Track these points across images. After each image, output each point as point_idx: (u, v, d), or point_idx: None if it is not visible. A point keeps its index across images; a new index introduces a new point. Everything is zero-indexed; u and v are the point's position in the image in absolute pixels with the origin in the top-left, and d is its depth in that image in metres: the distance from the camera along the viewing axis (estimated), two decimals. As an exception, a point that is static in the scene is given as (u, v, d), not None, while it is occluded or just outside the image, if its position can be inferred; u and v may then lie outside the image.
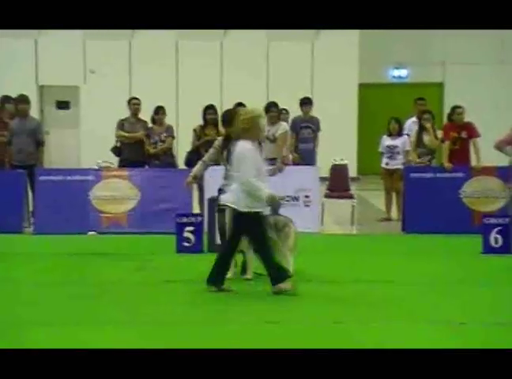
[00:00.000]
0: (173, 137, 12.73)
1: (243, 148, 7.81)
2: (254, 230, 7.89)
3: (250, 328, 6.67)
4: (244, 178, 7.73)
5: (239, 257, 8.74)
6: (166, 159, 12.63)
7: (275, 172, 10.62)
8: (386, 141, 13.26)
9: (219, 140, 9.25)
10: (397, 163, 13.15)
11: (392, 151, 13.22)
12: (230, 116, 8.96)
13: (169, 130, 12.71)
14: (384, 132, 13.43)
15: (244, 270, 8.76)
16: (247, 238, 8.00)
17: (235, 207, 7.85)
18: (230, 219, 8.10)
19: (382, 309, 7.33)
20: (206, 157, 9.29)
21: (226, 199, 8.09)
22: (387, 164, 13.31)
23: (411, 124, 13.36)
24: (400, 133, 13.27)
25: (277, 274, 7.84)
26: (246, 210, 7.78)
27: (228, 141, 8.74)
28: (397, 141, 13.22)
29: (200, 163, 9.29)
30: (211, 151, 9.25)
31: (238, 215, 7.85)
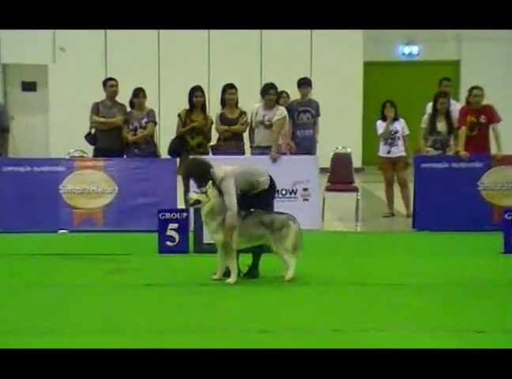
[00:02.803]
0: (155, 123, 12.71)
1: None
2: None
3: (241, 337, 6.68)
4: None
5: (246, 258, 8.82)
6: (147, 147, 12.60)
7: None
8: (382, 127, 13.21)
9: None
10: (400, 151, 13.17)
11: (393, 137, 13.21)
12: None
13: (150, 115, 12.68)
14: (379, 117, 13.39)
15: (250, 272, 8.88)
16: None
17: None
18: None
19: (388, 316, 7.34)
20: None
21: None
22: (389, 152, 13.28)
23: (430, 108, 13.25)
24: (396, 118, 13.25)
25: None
26: None
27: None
28: (397, 126, 13.21)
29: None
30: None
31: None
